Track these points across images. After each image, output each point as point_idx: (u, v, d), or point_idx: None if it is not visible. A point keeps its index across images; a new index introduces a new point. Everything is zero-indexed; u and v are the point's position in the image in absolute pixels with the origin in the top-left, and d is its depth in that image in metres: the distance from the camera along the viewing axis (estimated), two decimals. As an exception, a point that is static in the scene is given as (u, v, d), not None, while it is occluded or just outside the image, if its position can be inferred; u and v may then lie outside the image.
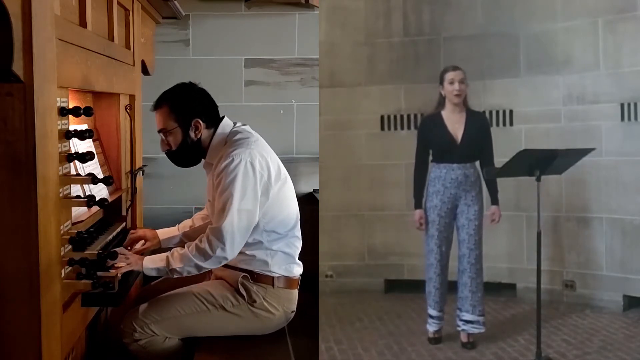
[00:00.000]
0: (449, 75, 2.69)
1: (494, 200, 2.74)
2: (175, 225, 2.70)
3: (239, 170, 2.25)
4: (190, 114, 2.38)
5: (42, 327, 1.65)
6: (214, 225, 2.27)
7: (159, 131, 2.42)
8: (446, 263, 2.73)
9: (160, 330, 2.30)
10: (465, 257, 2.72)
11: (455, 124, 2.71)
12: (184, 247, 2.31)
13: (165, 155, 2.48)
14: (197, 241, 2.28)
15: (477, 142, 2.72)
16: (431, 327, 2.75)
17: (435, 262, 2.71)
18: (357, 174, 3.49)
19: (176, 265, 2.26)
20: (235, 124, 2.47)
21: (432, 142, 2.74)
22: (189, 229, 2.65)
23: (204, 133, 2.40)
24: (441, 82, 2.72)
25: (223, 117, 2.47)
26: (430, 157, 2.75)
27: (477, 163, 2.74)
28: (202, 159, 2.48)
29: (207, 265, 2.26)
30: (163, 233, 2.63)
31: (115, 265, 2.22)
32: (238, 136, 2.39)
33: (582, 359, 2.59)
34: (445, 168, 2.70)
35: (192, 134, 2.39)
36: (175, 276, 2.31)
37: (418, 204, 2.74)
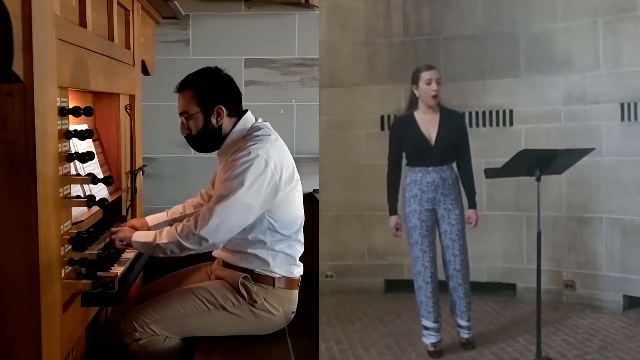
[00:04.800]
0: (426, 75, 2.58)
1: (471, 204, 2.65)
2: (165, 211, 2.68)
3: (253, 164, 2.23)
4: (213, 100, 2.35)
5: (42, 327, 1.65)
6: (208, 205, 2.25)
7: (181, 114, 2.39)
8: (435, 270, 2.63)
9: (160, 330, 2.30)
10: (451, 264, 2.63)
11: (428, 124, 2.61)
12: None
13: (185, 139, 2.44)
14: (184, 221, 2.27)
15: (452, 143, 2.63)
16: (428, 340, 2.63)
17: (423, 269, 2.60)
18: (357, 174, 3.48)
19: (161, 240, 2.23)
20: (257, 119, 2.45)
21: (406, 145, 2.65)
22: (179, 215, 2.63)
23: (226, 121, 2.38)
24: (415, 81, 2.61)
25: (247, 110, 2.45)
26: (404, 161, 2.67)
27: (455, 165, 2.67)
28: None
29: (189, 244, 2.21)
30: (153, 219, 2.61)
31: (111, 237, 2.30)
32: (259, 132, 2.37)
33: (582, 359, 2.58)
34: (421, 172, 2.61)
35: (213, 121, 2.36)
36: (159, 254, 2.27)
37: (392, 210, 2.64)
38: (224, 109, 2.36)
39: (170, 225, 2.40)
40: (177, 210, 2.67)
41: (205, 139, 2.40)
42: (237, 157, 2.26)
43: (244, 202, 2.23)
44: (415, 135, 2.62)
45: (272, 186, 2.28)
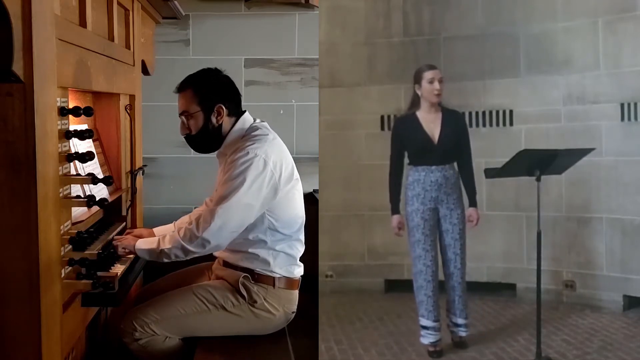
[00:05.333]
0: (429, 74, 2.60)
1: (472, 202, 2.66)
2: (172, 223, 2.70)
3: (252, 164, 2.24)
4: (213, 99, 2.37)
5: (42, 327, 1.65)
6: (210, 207, 2.27)
7: (181, 114, 2.41)
8: (436, 269, 2.63)
9: (160, 330, 2.30)
10: (452, 262, 2.64)
11: (431, 124, 2.63)
12: None
13: (185, 139, 2.46)
14: (186, 225, 2.29)
15: (454, 142, 2.65)
16: (426, 340, 2.62)
17: (425, 268, 2.61)
18: (357, 174, 3.48)
19: (165, 246, 2.25)
20: (255, 120, 2.46)
21: (408, 144, 2.66)
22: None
23: (225, 121, 2.39)
24: (417, 81, 2.63)
25: (245, 111, 2.46)
26: (407, 160, 2.68)
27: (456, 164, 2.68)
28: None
29: (192, 247, 2.23)
30: (160, 230, 2.62)
31: (114, 243, 2.30)
32: (257, 132, 2.38)
33: (582, 359, 2.59)
34: (424, 171, 2.62)
35: (213, 120, 2.38)
36: (164, 259, 2.28)
37: (395, 209, 2.65)
38: (224, 107, 2.38)
39: None
40: (183, 220, 2.68)
41: (206, 138, 2.41)
42: (236, 158, 2.27)
43: (245, 202, 2.24)
44: (418, 135, 2.63)
45: (272, 185, 2.29)
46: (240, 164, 2.25)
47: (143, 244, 2.31)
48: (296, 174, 2.42)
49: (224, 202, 2.22)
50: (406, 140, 2.67)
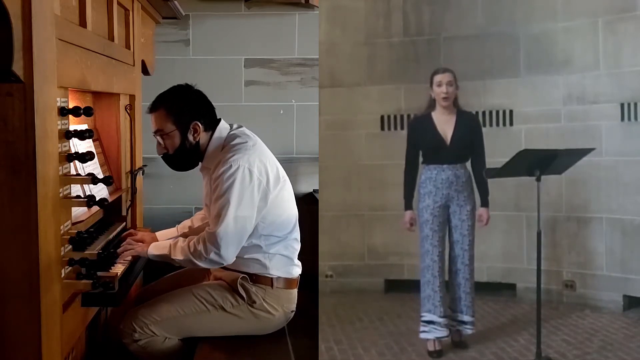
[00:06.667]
0: (437, 78, 2.67)
1: (484, 202, 2.69)
2: (174, 226, 2.70)
3: (237, 177, 2.23)
4: (188, 117, 2.34)
5: (42, 327, 1.65)
6: (209, 230, 2.26)
7: (155, 133, 2.38)
8: (443, 265, 2.67)
9: (159, 331, 2.30)
10: (459, 258, 2.67)
11: (444, 124, 2.68)
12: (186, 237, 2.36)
13: (162, 159, 2.44)
14: (194, 240, 2.28)
15: (467, 143, 2.69)
16: (431, 334, 2.63)
17: (432, 263, 2.64)
18: (357, 174, 3.48)
19: (176, 256, 2.30)
20: (232, 126, 2.44)
21: (422, 144, 2.71)
22: (188, 230, 2.65)
23: (202, 136, 2.37)
24: (430, 83, 2.69)
25: (219, 120, 2.45)
26: (421, 159, 2.72)
27: (469, 163, 2.71)
28: (200, 162, 2.45)
29: (202, 264, 2.29)
30: (162, 235, 2.62)
31: (123, 248, 2.31)
32: (236, 140, 2.35)
33: (582, 359, 2.59)
34: (436, 169, 2.67)
35: (190, 137, 2.35)
36: (176, 264, 2.37)
37: (408, 205, 2.70)
38: (199, 124, 2.35)
39: None
40: (185, 224, 2.69)
41: (184, 156, 2.39)
42: (221, 173, 2.25)
43: (240, 215, 2.24)
44: (431, 135, 2.68)
45: (262, 192, 2.29)
46: (226, 179, 2.23)
47: (154, 249, 2.34)
48: (282, 175, 2.41)
49: (221, 222, 2.22)
50: (420, 140, 2.72)
